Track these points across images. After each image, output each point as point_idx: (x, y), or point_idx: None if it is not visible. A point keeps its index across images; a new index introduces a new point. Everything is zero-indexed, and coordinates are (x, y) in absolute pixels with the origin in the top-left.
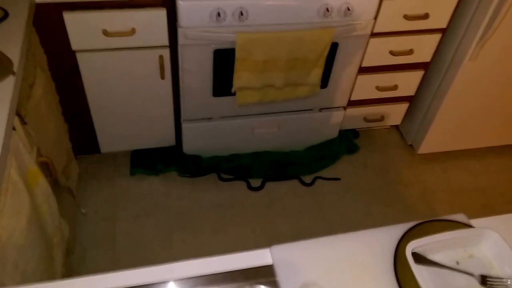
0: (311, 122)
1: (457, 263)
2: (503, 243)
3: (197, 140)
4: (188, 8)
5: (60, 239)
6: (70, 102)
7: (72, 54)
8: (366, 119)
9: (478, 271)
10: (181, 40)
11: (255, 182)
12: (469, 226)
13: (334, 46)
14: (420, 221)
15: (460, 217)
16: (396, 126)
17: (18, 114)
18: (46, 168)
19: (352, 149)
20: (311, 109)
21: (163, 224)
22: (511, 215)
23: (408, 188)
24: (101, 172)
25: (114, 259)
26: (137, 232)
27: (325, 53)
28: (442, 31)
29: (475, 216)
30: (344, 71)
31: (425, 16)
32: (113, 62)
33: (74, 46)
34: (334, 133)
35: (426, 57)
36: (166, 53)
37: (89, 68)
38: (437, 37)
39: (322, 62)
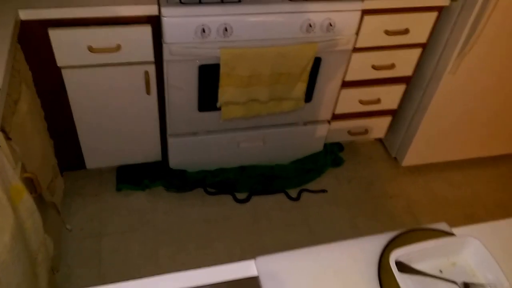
0: (296, 135)
1: (441, 271)
2: (485, 250)
3: (183, 155)
4: (173, 24)
5: (44, 256)
6: (56, 118)
7: (57, 71)
8: (350, 133)
9: (461, 279)
10: (166, 56)
11: (242, 196)
12: (451, 234)
13: (317, 61)
14: (403, 230)
15: (442, 225)
16: (380, 139)
17: (2, 129)
18: (30, 184)
19: (337, 162)
20: (296, 123)
21: (150, 240)
22: (491, 223)
23: (392, 200)
24: (86, 188)
25: (100, 276)
26: (123, 248)
27: (309, 68)
28: (423, 45)
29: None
30: (328, 85)
31: (406, 32)
32: (99, 78)
33: (59, 63)
34: (319, 147)
35: (408, 71)
36: (152, 69)
37: (74, 84)
38: (417, 51)
39: (305, 76)
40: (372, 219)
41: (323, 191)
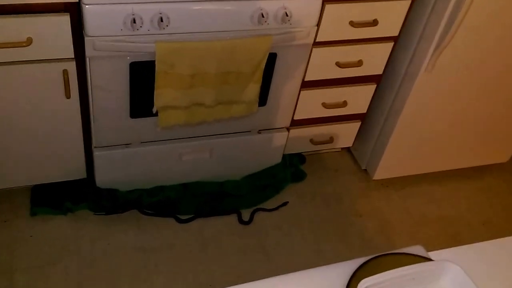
0: (249, 146)
1: None
2: (465, 277)
3: (113, 171)
4: (97, 13)
5: None
6: None
7: None
8: (313, 141)
9: None
10: (89, 51)
11: (185, 217)
12: (427, 259)
13: (272, 57)
14: (373, 255)
15: (417, 249)
16: (348, 149)
17: None
18: None
19: (298, 176)
20: (249, 131)
21: (73, 274)
22: (474, 245)
23: (363, 220)
24: None
25: None
26: (40, 285)
27: (262, 66)
28: (394, 39)
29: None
30: (285, 86)
31: (374, 23)
32: (7, 79)
33: None
34: (276, 159)
35: (378, 69)
36: (72, 67)
37: None
38: (388, 46)
39: (259, 75)
40: (339, 242)
41: (284, 204)
